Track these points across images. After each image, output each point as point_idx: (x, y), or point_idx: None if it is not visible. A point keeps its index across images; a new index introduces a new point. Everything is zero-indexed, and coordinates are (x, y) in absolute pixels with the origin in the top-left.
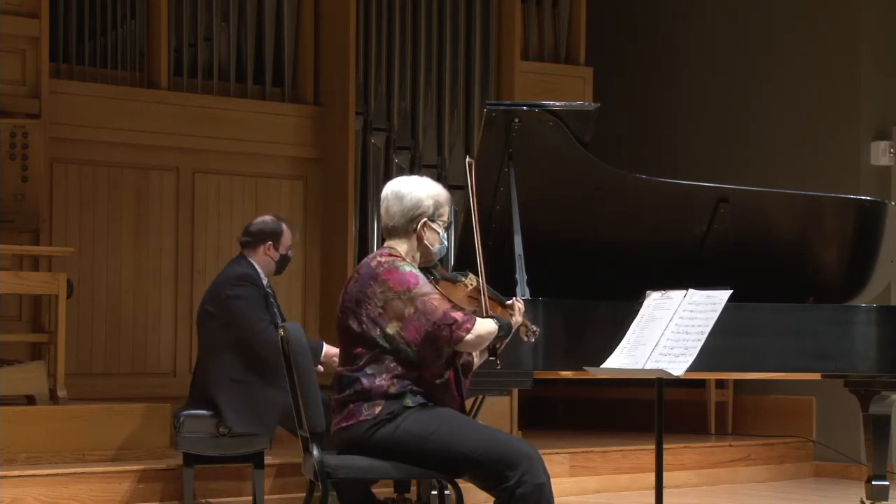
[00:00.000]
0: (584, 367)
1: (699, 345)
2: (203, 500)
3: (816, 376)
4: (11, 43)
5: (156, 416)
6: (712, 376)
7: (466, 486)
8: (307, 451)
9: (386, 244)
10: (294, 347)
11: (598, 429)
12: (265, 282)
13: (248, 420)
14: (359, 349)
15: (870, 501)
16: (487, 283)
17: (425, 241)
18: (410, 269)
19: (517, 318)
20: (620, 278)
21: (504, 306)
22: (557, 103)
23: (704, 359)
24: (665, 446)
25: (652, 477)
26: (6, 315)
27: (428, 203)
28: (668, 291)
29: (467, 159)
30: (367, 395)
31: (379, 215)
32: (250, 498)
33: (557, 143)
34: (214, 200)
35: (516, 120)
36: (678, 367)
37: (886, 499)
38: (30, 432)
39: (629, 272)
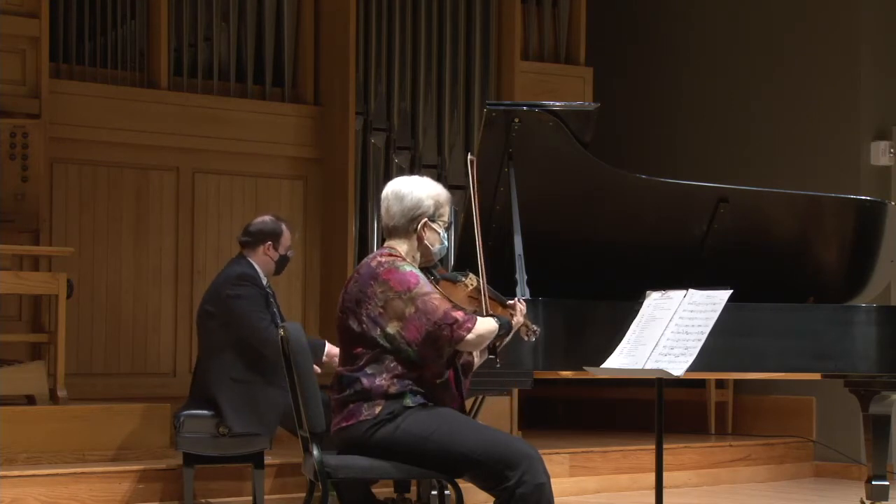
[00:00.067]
0: (584, 367)
1: (699, 345)
2: (203, 500)
3: (816, 376)
4: (11, 43)
5: (156, 416)
6: (712, 376)
7: (466, 486)
8: (307, 451)
9: (386, 244)
10: (294, 347)
11: (598, 429)
12: (265, 282)
13: (249, 420)
14: (359, 349)
15: (870, 501)
16: (487, 283)
17: (425, 242)
18: (411, 269)
19: (518, 319)
20: (620, 278)
21: (504, 306)
22: (557, 103)
23: (704, 359)
24: (665, 446)
25: (652, 477)
26: (6, 315)
27: (428, 203)
28: (668, 291)
29: (469, 156)
30: (367, 395)
31: (379, 215)
32: (250, 498)
33: (557, 143)
34: (214, 200)
35: (516, 120)
36: (678, 367)
37: (886, 499)
38: (30, 432)
39: (629, 272)
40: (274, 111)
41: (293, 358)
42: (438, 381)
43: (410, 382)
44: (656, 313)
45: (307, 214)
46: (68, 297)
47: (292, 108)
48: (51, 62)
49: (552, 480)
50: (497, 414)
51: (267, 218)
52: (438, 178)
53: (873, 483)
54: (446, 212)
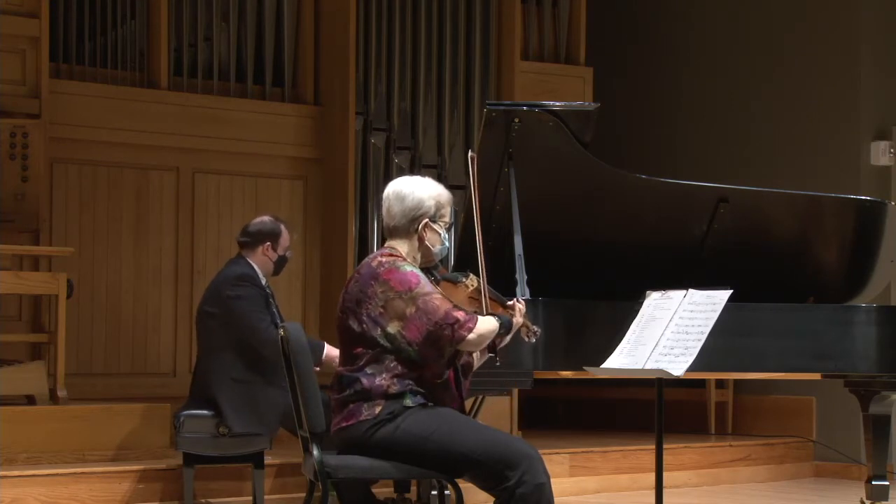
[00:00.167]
0: (584, 367)
1: (699, 345)
2: (203, 500)
3: (816, 376)
4: (11, 43)
5: (156, 416)
6: (712, 376)
7: (466, 486)
8: (307, 451)
9: (387, 244)
10: (294, 347)
11: (598, 429)
12: (264, 282)
13: (249, 420)
14: (359, 349)
15: (870, 501)
16: (488, 283)
17: (426, 242)
18: (411, 269)
19: (518, 319)
20: (620, 278)
21: (505, 307)
22: (557, 103)
23: (704, 359)
24: (665, 446)
25: (652, 477)
26: (6, 315)
27: (429, 203)
28: (668, 291)
29: (469, 153)
30: (367, 395)
31: (379, 215)
32: (250, 498)
33: (557, 143)
34: (214, 200)
35: (516, 120)
36: (678, 367)
37: (886, 499)
38: (30, 432)
39: (629, 272)
40: (274, 111)
41: (293, 358)
42: (438, 381)
43: (411, 382)
44: (656, 313)
45: (307, 214)
46: (68, 297)
47: (292, 108)
48: (51, 62)
49: (552, 480)
50: (497, 414)
51: (266, 218)
52: (438, 178)
53: (873, 483)
54: (447, 212)
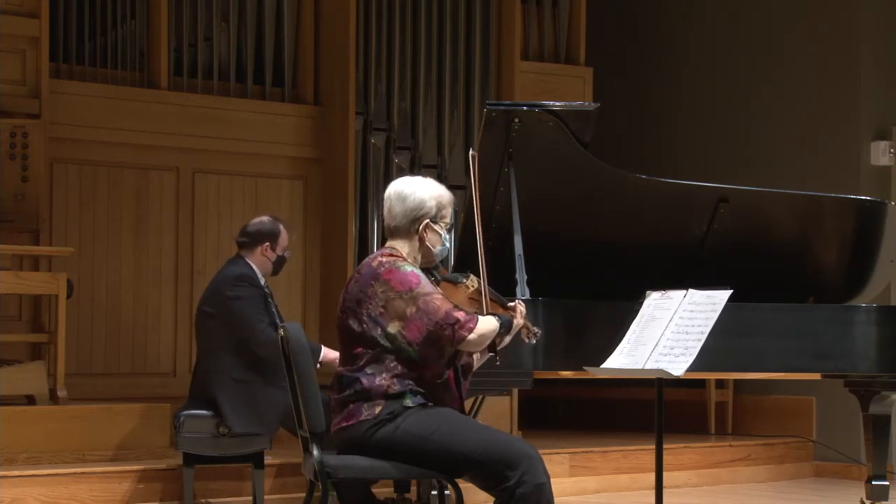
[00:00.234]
0: (584, 367)
1: (699, 345)
2: (203, 500)
3: (816, 376)
4: (11, 43)
5: (156, 416)
6: (712, 376)
7: (466, 486)
8: (307, 451)
9: (387, 244)
10: (294, 347)
11: (598, 429)
12: (262, 282)
13: (249, 420)
14: (359, 349)
15: (870, 501)
16: (488, 284)
17: (427, 243)
18: (412, 269)
19: (518, 321)
20: (620, 278)
21: (505, 308)
22: (557, 103)
23: (704, 359)
24: (665, 446)
25: (652, 477)
26: (6, 315)
27: (431, 204)
28: (668, 291)
29: (471, 152)
30: (367, 395)
31: (379, 215)
32: (250, 498)
33: (557, 143)
34: (214, 200)
35: (516, 120)
36: (678, 367)
37: (886, 499)
38: (30, 432)
39: (629, 272)
40: (274, 111)
41: (293, 358)
42: (438, 381)
43: (411, 382)
44: (656, 313)
45: (307, 214)
46: (68, 297)
47: (292, 108)
48: (51, 62)
49: (552, 480)
50: (497, 414)
51: (265, 218)
52: (438, 178)
53: (873, 483)
54: (448, 213)
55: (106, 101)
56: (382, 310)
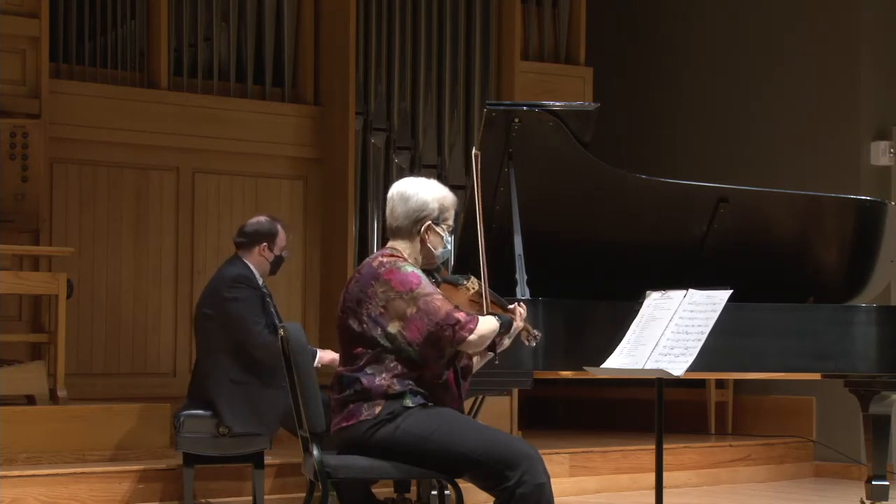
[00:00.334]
0: (584, 367)
1: (699, 345)
2: (203, 500)
3: (816, 376)
4: (11, 43)
5: (156, 416)
6: (712, 376)
7: (466, 486)
8: (307, 451)
9: (388, 245)
10: (294, 347)
11: (598, 429)
12: (261, 282)
13: (248, 420)
14: (359, 349)
15: (870, 501)
16: (489, 285)
17: (428, 244)
18: (412, 270)
19: (518, 324)
20: (620, 278)
21: (505, 310)
22: (557, 103)
23: (704, 359)
24: (665, 446)
25: (652, 477)
26: (6, 315)
27: (433, 206)
28: (668, 291)
29: (473, 150)
30: (367, 395)
31: (379, 215)
32: (250, 498)
33: (557, 143)
34: (214, 200)
35: (516, 120)
36: (678, 367)
37: (886, 499)
38: (30, 432)
39: (629, 272)
40: (274, 111)
41: (293, 358)
42: (438, 381)
43: (411, 382)
44: (656, 313)
45: (307, 214)
46: (68, 297)
47: (292, 108)
48: (51, 62)
49: (552, 480)
50: (497, 414)
51: (262, 218)
52: (438, 178)
53: (873, 483)
54: (451, 216)
55: (106, 101)
56: (383, 310)
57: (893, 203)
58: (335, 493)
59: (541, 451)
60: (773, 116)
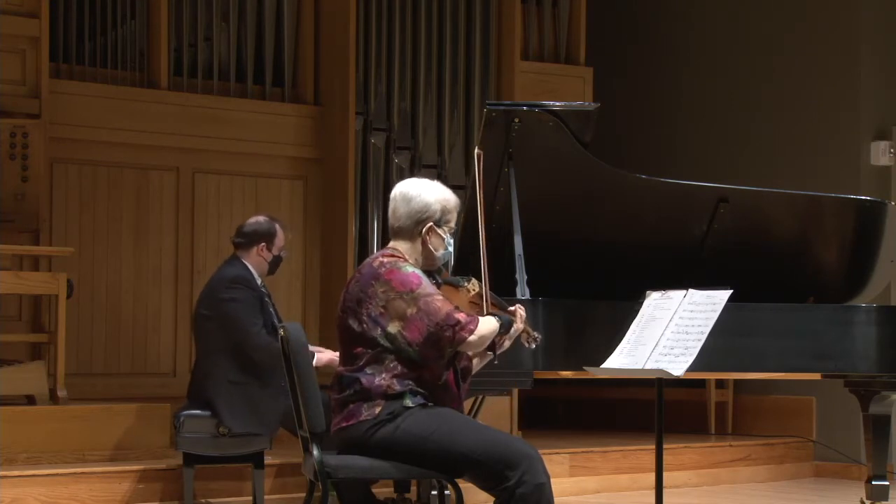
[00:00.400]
0: (584, 367)
1: (699, 345)
2: (203, 500)
3: (816, 376)
4: (11, 43)
5: (156, 416)
6: (712, 376)
7: (466, 486)
8: (307, 451)
9: (389, 245)
10: (294, 347)
11: (598, 429)
12: (259, 282)
13: (247, 420)
14: (359, 349)
15: (870, 501)
16: (490, 288)
17: (429, 246)
18: (413, 270)
19: (519, 326)
20: (620, 278)
21: (506, 312)
22: (557, 103)
23: (704, 359)
24: (665, 446)
25: (652, 477)
26: (6, 315)
27: (436, 208)
28: (668, 291)
29: (476, 150)
30: (367, 395)
31: (379, 215)
32: (250, 498)
33: (557, 143)
34: (214, 200)
35: (516, 120)
36: (678, 367)
37: (886, 499)
38: (30, 432)
39: (629, 272)
40: (274, 111)
41: (293, 358)
42: (438, 382)
43: (410, 383)
44: (656, 313)
45: (307, 214)
46: (68, 297)
47: (292, 108)
48: (51, 62)
49: (552, 480)
50: (497, 414)
51: (261, 218)
52: (438, 178)
53: (873, 483)
54: (453, 218)
55: (106, 101)
56: (383, 310)
57: (893, 203)
58: (335, 493)
59: (541, 451)
60: (773, 116)
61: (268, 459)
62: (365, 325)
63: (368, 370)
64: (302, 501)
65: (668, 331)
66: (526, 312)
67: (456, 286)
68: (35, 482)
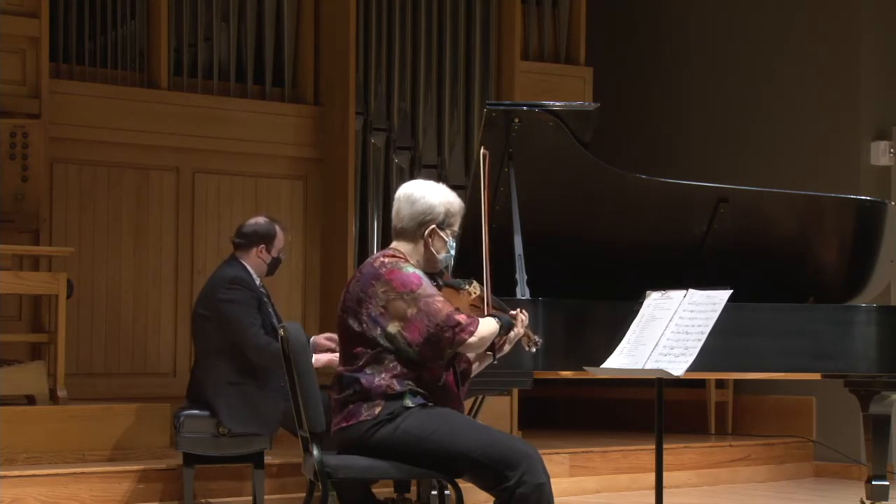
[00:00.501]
0: (584, 367)
1: (699, 345)
2: (203, 500)
3: (816, 376)
4: (11, 43)
5: (156, 416)
6: (712, 376)
7: (466, 486)
8: (307, 451)
9: (391, 245)
10: (294, 347)
11: (598, 429)
12: (258, 283)
13: (247, 421)
14: (359, 349)
15: (870, 501)
16: (491, 290)
17: (431, 248)
18: (414, 271)
19: (519, 330)
20: (620, 278)
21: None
22: (557, 103)
23: (704, 359)
24: (665, 446)
25: (652, 477)
26: (6, 315)
27: (439, 210)
28: (668, 291)
29: (482, 150)
30: (367, 395)
31: (379, 215)
32: (250, 498)
33: (557, 143)
34: (214, 200)
35: (516, 120)
36: (678, 367)
37: (886, 499)
38: (30, 432)
39: (629, 272)
40: (274, 111)
41: (293, 358)
42: (438, 383)
43: (410, 383)
44: (656, 313)
45: (307, 214)
46: (68, 297)
47: (292, 108)
48: (51, 62)
49: (552, 480)
50: (497, 414)
51: (261, 219)
52: (438, 178)
53: (873, 483)
54: (457, 222)
55: (106, 101)
56: (383, 310)
57: (893, 203)
58: (335, 493)
59: (541, 451)
60: (773, 116)
61: (268, 459)
62: (365, 325)
63: (368, 370)
64: (302, 501)
65: (668, 331)
66: (526, 313)
67: (457, 288)
68: (35, 482)
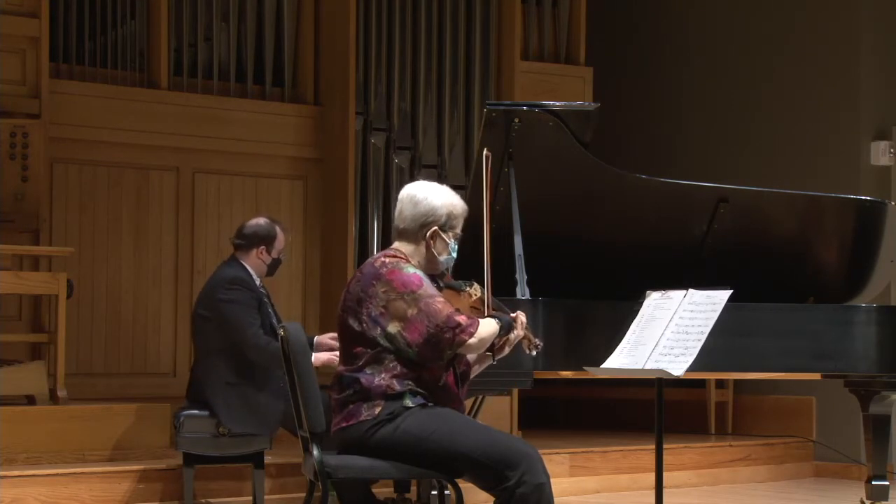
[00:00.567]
0: (584, 367)
1: (699, 345)
2: (203, 500)
3: (816, 376)
4: (11, 43)
5: (156, 416)
6: (712, 376)
7: (466, 486)
8: (307, 451)
9: (393, 246)
10: (294, 347)
11: (598, 429)
12: (258, 283)
13: (246, 421)
14: (358, 349)
15: (870, 501)
16: (492, 293)
17: (433, 250)
18: (414, 271)
19: (519, 332)
20: (620, 278)
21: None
22: (557, 103)
23: (704, 359)
24: (665, 446)
25: (652, 477)
26: (6, 315)
27: (442, 212)
28: (668, 291)
29: (485, 151)
30: (367, 396)
31: (379, 215)
32: (250, 498)
33: (557, 143)
34: (214, 200)
35: (516, 120)
36: (678, 367)
37: (886, 499)
38: (30, 432)
39: (629, 272)
40: (274, 111)
41: (293, 358)
42: (438, 384)
43: (410, 383)
44: (656, 313)
45: (307, 214)
46: (68, 297)
47: (292, 108)
48: (51, 62)
49: (552, 480)
50: (497, 414)
51: (261, 220)
52: (438, 178)
53: (873, 483)
54: (459, 224)
55: (106, 101)
56: (383, 310)
57: (893, 203)
58: (335, 493)
59: (541, 451)
60: (773, 116)
61: (268, 459)
62: (365, 325)
63: (368, 370)
64: (302, 501)
65: (668, 331)
66: (526, 313)
67: (458, 290)
68: (35, 482)
